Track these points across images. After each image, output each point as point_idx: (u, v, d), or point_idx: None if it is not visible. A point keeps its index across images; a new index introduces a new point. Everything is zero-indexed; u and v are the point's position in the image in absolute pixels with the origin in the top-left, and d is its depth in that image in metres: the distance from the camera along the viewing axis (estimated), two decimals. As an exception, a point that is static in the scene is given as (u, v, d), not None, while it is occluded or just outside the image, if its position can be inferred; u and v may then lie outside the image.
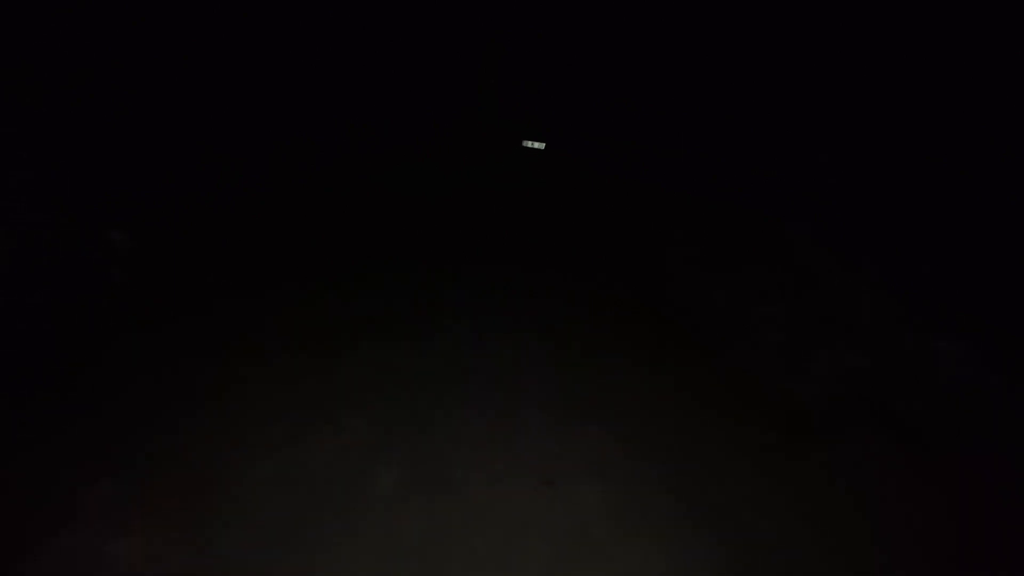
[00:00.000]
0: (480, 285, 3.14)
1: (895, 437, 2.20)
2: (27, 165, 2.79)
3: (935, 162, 2.54)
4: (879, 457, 2.12)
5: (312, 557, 1.56)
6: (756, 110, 3.30)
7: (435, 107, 4.62)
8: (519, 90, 4.61)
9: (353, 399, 2.16)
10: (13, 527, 1.58)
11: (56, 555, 1.51)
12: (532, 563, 1.61)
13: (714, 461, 2.04)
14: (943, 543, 1.79)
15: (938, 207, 2.55)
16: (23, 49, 2.76)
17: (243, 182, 3.66)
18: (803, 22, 3.05)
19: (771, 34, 3.21)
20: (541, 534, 1.70)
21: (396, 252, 3.39)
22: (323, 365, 2.33)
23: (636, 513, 1.79)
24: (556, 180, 4.51)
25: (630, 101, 3.99)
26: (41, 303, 2.52)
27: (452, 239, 3.66)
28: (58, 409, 1.99)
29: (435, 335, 2.62)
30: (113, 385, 2.13)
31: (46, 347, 2.29)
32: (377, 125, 4.42)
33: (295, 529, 1.63)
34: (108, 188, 3.11)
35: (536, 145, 4.29)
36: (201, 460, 1.83)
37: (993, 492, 1.97)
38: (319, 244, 3.36)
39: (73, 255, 2.81)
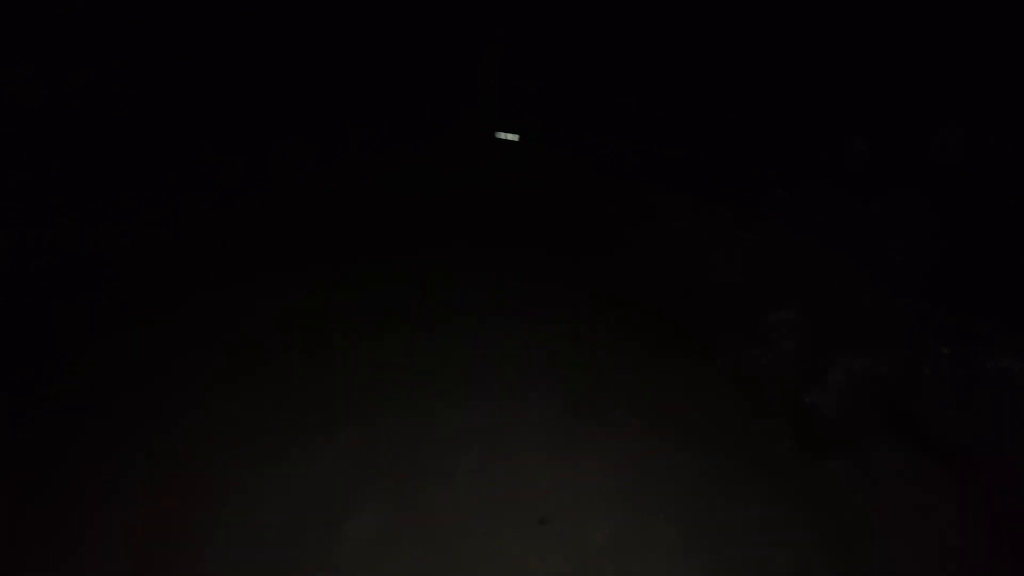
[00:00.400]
0: (481, 288, 3.13)
1: (920, 450, 2.08)
2: (27, 165, 2.79)
3: (975, 158, 2.38)
4: (902, 471, 2.02)
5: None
6: (758, 109, 3.27)
7: (435, 107, 4.62)
8: (519, 90, 4.61)
9: (349, 405, 2.14)
10: (13, 526, 1.58)
11: (56, 554, 1.51)
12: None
13: (723, 479, 1.95)
14: (970, 564, 1.71)
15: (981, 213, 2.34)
16: (23, 49, 2.76)
17: (243, 182, 3.66)
18: (801, 22, 3.04)
19: (769, 34, 3.20)
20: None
21: (396, 252, 3.39)
22: (321, 365, 2.33)
23: (641, 544, 1.68)
24: (557, 180, 4.50)
25: (630, 101, 3.99)
26: (41, 303, 2.52)
27: (452, 239, 3.66)
28: (57, 408, 1.99)
29: (434, 337, 2.61)
30: (112, 385, 2.13)
31: (46, 347, 2.29)
32: (377, 125, 4.42)
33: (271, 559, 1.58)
34: (108, 188, 3.11)
35: (510, 137, 4.29)
36: (199, 463, 1.83)
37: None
38: (319, 244, 3.36)
39: (73, 255, 2.81)
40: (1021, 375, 2.12)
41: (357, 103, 4.35)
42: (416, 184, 4.34)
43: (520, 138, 4.37)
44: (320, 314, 2.69)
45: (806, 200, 2.82)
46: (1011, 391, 2.13)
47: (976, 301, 2.30)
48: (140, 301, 2.64)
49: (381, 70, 4.37)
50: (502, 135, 4.26)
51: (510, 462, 1.93)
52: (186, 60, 3.43)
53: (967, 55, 2.46)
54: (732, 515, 1.81)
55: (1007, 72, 2.37)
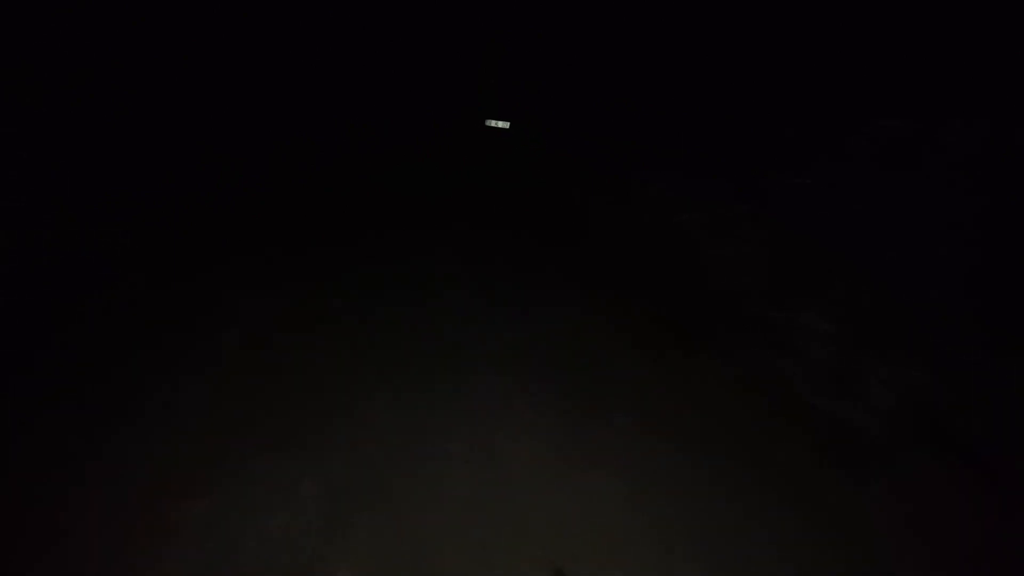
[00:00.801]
0: (481, 287, 3.13)
1: (962, 465, 1.92)
2: (27, 165, 2.79)
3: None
4: (943, 488, 1.87)
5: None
6: (769, 92, 3.16)
7: (435, 107, 4.62)
8: (519, 90, 4.61)
9: (345, 409, 2.15)
10: (13, 527, 1.58)
11: (55, 554, 1.51)
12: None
13: (750, 509, 1.78)
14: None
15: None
16: (23, 49, 2.76)
17: (243, 182, 3.66)
18: (803, 20, 3.01)
19: (769, 33, 3.18)
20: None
21: (396, 253, 3.38)
22: (320, 366, 2.33)
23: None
24: (558, 180, 4.50)
25: (634, 95, 3.98)
26: (41, 303, 2.52)
27: (454, 239, 3.65)
28: (57, 409, 1.99)
29: (435, 339, 2.61)
30: (112, 385, 2.12)
31: (46, 347, 2.29)
32: (377, 125, 4.42)
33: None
34: (108, 188, 3.11)
35: (500, 124, 4.30)
36: (198, 464, 1.83)
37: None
38: (318, 244, 3.36)
39: (73, 255, 2.81)
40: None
41: (357, 103, 4.35)
42: (416, 184, 4.34)
43: (510, 125, 4.36)
44: (320, 314, 2.69)
45: (822, 191, 2.66)
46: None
47: (1007, 303, 2.14)
48: (140, 301, 2.64)
49: (381, 70, 4.37)
50: (492, 122, 4.26)
51: (512, 487, 1.87)
52: (186, 60, 3.43)
53: (994, 44, 2.26)
54: (761, 554, 1.68)
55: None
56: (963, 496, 1.89)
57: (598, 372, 2.46)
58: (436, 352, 2.49)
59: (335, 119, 4.28)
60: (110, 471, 1.76)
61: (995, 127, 2.21)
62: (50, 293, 2.58)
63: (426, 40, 4.37)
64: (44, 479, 1.73)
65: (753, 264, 2.91)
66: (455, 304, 2.90)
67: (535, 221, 3.99)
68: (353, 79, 4.28)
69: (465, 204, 4.17)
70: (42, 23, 2.82)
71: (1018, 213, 2.15)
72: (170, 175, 3.39)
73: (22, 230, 2.71)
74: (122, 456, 1.82)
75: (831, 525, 1.78)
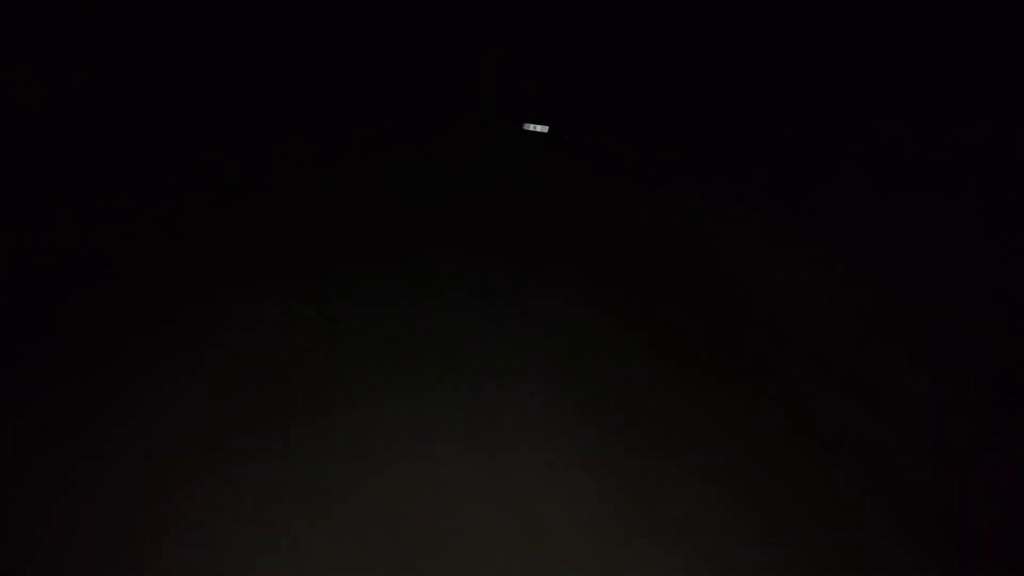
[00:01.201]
0: (481, 291, 3.13)
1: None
2: (27, 165, 2.79)
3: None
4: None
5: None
6: (767, 108, 3.21)
7: (435, 107, 4.62)
8: (519, 90, 4.61)
9: (345, 414, 2.16)
10: (12, 527, 1.58)
11: (53, 554, 1.51)
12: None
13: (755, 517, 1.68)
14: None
15: None
16: (23, 49, 2.76)
17: (243, 182, 3.66)
18: (809, 20, 3.00)
19: (773, 33, 3.18)
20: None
21: (396, 253, 3.38)
22: (320, 369, 2.33)
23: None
24: (560, 179, 4.50)
25: (631, 100, 3.98)
26: (41, 303, 2.52)
27: (456, 239, 3.65)
28: (57, 409, 1.99)
29: (432, 340, 2.61)
30: (112, 386, 2.12)
31: (45, 347, 2.29)
32: (377, 125, 4.42)
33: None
34: (108, 188, 3.11)
35: (539, 128, 4.28)
36: (197, 465, 1.83)
37: None
38: (319, 244, 3.36)
39: (73, 255, 2.81)
40: None
41: (357, 103, 4.35)
42: (416, 184, 4.34)
43: (550, 130, 4.31)
44: (320, 314, 2.69)
45: (824, 191, 2.56)
46: None
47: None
48: (140, 301, 2.64)
49: (381, 70, 4.37)
50: (530, 127, 4.25)
51: (512, 487, 1.89)
52: (186, 60, 3.43)
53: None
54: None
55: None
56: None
57: (599, 373, 2.46)
58: (436, 352, 2.49)
59: (335, 119, 4.28)
60: (109, 471, 1.76)
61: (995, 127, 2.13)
62: (50, 293, 2.58)
63: (426, 39, 4.37)
64: (43, 479, 1.73)
65: (758, 264, 2.91)
66: (455, 304, 2.90)
67: (535, 221, 3.98)
68: (352, 79, 4.28)
69: (465, 204, 4.16)
70: (42, 23, 2.82)
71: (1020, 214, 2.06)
72: (170, 175, 3.39)
73: (22, 230, 2.71)
74: (121, 456, 1.82)
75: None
